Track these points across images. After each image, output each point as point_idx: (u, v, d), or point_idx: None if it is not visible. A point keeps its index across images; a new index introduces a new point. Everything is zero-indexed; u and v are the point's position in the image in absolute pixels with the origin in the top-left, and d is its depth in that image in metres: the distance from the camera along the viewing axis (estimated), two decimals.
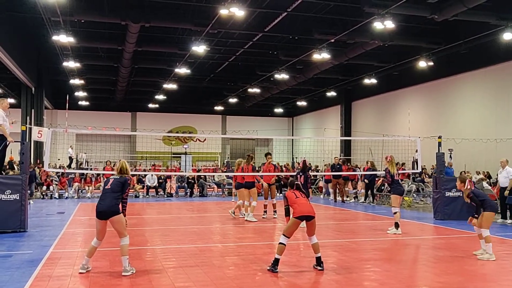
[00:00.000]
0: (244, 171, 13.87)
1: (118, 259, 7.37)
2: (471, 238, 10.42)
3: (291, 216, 7.56)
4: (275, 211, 14.37)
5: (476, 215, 8.52)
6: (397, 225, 11.38)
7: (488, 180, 18.68)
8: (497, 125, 23.31)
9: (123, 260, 7.20)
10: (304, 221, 7.48)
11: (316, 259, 7.54)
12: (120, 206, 7.31)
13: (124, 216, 7.36)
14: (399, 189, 11.85)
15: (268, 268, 7.40)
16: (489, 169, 21.72)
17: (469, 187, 8.60)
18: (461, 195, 13.72)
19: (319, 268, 7.47)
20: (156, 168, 35.73)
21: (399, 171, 12.35)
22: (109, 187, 7.34)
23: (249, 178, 13.80)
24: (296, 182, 7.91)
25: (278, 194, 21.98)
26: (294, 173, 20.61)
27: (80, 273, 7.29)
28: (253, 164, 14.14)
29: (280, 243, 7.41)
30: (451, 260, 8.41)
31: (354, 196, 20.94)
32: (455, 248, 9.59)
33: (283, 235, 7.43)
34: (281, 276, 7.15)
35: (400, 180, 12.89)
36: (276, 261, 7.35)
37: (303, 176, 12.71)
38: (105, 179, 7.66)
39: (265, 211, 14.28)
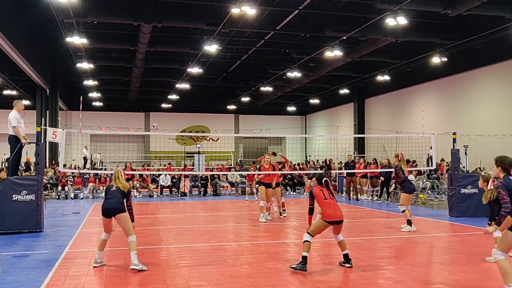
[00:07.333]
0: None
1: None
2: (486, 236, 10.28)
3: (318, 217, 7.42)
4: (284, 210, 14.32)
5: (489, 222, 8.07)
6: (409, 222, 11.33)
7: None
8: None
9: (132, 254, 7.36)
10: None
11: (344, 256, 7.49)
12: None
13: (133, 221, 7.70)
14: (410, 187, 11.78)
15: (297, 267, 7.16)
16: None
17: (492, 187, 8.15)
18: (477, 192, 13.69)
19: (348, 265, 7.43)
20: (171, 167, 35.77)
21: (408, 169, 12.28)
22: (115, 189, 7.73)
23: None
24: (325, 178, 7.57)
25: (288, 193, 22.04)
26: (308, 171, 20.53)
27: (94, 267, 7.54)
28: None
29: (305, 241, 7.27)
30: (466, 257, 8.32)
31: (371, 193, 20.76)
32: (470, 245, 9.49)
33: (308, 233, 7.31)
34: (295, 274, 7.14)
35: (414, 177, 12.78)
36: (304, 259, 7.19)
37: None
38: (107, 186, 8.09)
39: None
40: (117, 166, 34.69)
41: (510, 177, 5.77)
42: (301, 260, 7.24)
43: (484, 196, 8.15)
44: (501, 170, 5.89)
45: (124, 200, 7.68)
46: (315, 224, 7.45)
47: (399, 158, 11.77)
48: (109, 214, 7.57)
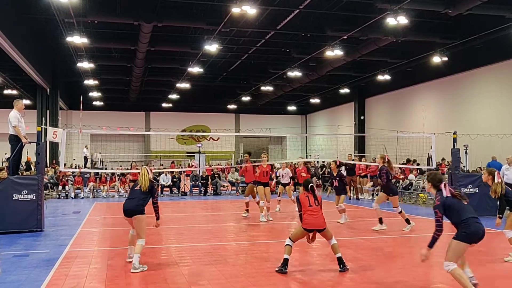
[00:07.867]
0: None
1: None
2: (487, 235, 10.27)
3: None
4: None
5: (500, 215, 7.94)
6: (408, 221, 11.45)
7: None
8: None
9: (134, 257, 7.38)
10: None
11: (337, 260, 7.32)
12: (150, 207, 7.76)
13: (158, 219, 7.91)
14: (395, 189, 11.89)
15: (277, 269, 7.23)
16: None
17: (499, 181, 7.89)
18: (477, 191, 13.69)
19: (339, 269, 7.26)
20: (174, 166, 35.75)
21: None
22: (138, 188, 7.78)
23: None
24: (311, 184, 7.46)
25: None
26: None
27: (127, 261, 7.82)
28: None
29: (286, 245, 7.32)
30: (466, 257, 8.29)
31: (371, 193, 20.73)
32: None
33: (289, 238, 7.36)
34: (295, 274, 7.15)
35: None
36: (285, 261, 7.20)
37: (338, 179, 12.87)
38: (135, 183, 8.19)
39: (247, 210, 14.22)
40: (120, 166, 34.77)
41: (443, 193, 5.87)
42: (282, 262, 7.24)
43: (493, 190, 7.94)
44: (431, 186, 6.02)
45: (149, 199, 7.72)
46: (296, 229, 7.45)
47: (385, 160, 11.62)
48: (126, 215, 7.67)
